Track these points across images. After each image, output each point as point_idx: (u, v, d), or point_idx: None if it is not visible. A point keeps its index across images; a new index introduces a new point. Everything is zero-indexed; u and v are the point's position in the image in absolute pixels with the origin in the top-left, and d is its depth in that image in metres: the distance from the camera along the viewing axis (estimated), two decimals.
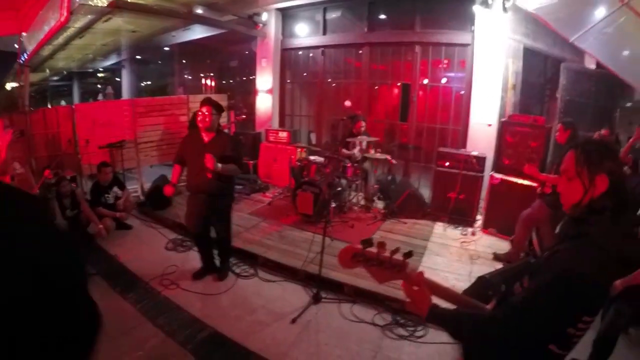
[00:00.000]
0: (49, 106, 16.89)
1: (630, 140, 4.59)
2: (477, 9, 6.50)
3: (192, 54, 14.67)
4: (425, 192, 6.94)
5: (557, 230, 1.58)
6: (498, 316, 1.45)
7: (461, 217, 6.25)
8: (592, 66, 6.55)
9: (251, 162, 8.80)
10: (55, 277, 0.65)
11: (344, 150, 6.82)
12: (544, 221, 4.72)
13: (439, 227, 6.23)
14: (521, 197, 5.48)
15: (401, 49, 7.91)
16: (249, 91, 10.92)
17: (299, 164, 7.25)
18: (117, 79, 18.21)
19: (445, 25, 7.32)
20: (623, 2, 4.76)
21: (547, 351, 1.36)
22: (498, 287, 3.40)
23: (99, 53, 14.40)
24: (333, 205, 6.29)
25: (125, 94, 16.54)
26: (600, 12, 5.01)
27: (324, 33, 8.79)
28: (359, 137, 6.71)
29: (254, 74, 9.78)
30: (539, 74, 8.10)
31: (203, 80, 14.79)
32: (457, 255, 5.26)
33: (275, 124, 9.52)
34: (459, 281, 4.49)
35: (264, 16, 9.00)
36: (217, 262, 5.01)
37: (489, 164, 6.31)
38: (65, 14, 5.87)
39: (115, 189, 6.40)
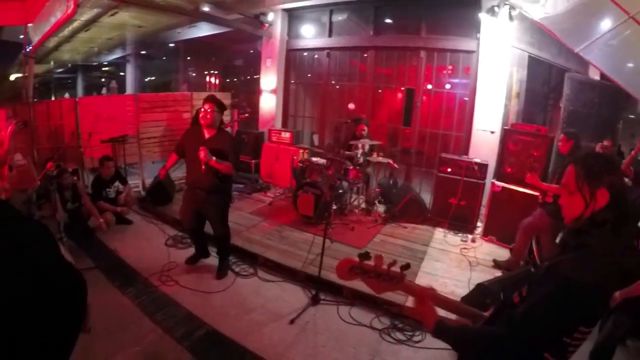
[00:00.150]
0: (53, 98, 16.91)
1: (632, 152, 4.60)
2: (483, 16, 6.51)
3: (197, 51, 14.69)
4: (427, 198, 6.93)
5: (558, 240, 1.59)
6: (502, 334, 1.45)
7: (461, 224, 6.25)
8: (596, 77, 6.57)
9: (253, 161, 8.81)
10: (54, 277, 0.65)
11: (346, 153, 6.82)
12: (545, 230, 4.73)
13: (439, 233, 6.23)
14: (522, 205, 5.49)
15: (406, 53, 7.92)
16: (253, 90, 10.93)
17: (300, 165, 7.25)
18: (122, 74, 18.22)
19: (451, 31, 7.33)
20: (629, 15, 4.77)
21: (543, 359, 1.37)
22: (497, 295, 3.42)
23: (104, 47, 14.43)
24: (334, 207, 6.28)
25: (129, 88, 16.55)
26: (605, 24, 5.02)
27: (330, 35, 8.79)
28: (362, 140, 6.72)
29: (259, 74, 9.78)
30: (543, 83, 8.11)
31: (207, 78, 14.78)
32: (456, 262, 5.27)
33: (279, 124, 9.52)
34: (458, 287, 4.50)
35: (270, 16, 9.01)
36: (217, 260, 5.02)
37: (490, 171, 6.31)
38: (72, 6, 5.86)
39: (117, 183, 6.41)
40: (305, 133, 9.51)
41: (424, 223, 6.53)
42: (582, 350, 1.46)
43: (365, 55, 8.44)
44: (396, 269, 1.62)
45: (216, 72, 14.82)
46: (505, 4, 6.19)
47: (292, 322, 3.97)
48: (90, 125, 6.89)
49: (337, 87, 9.27)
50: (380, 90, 8.75)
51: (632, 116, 7.02)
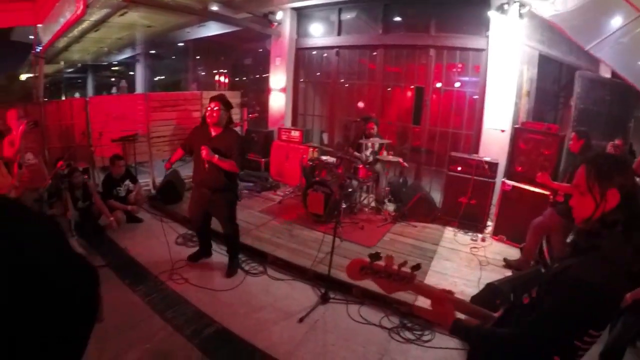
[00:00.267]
0: (63, 98, 17.05)
1: None
2: (492, 14, 6.46)
3: (207, 50, 14.73)
4: (436, 196, 6.91)
5: (569, 240, 1.58)
6: (513, 336, 1.44)
7: (471, 223, 6.21)
8: (607, 75, 6.49)
9: (263, 159, 8.83)
10: (55, 277, 0.65)
11: (356, 152, 6.81)
12: (555, 230, 4.70)
13: (449, 232, 6.20)
14: (532, 204, 5.45)
15: (415, 51, 7.89)
16: (262, 89, 10.93)
17: (310, 163, 7.26)
18: (131, 73, 18.31)
19: (461, 29, 7.29)
20: None
21: None
22: (507, 295, 3.41)
23: (114, 47, 14.50)
24: (344, 206, 6.28)
25: (139, 88, 16.62)
26: (616, 22, 4.96)
27: (339, 34, 8.78)
28: (372, 139, 6.70)
29: (268, 72, 9.79)
30: (554, 81, 8.05)
31: (216, 77, 14.81)
32: (466, 261, 5.24)
33: (288, 123, 9.52)
34: (468, 287, 4.47)
35: (279, 15, 9.01)
36: (225, 258, 5.06)
37: (501, 170, 6.27)
38: (81, 6, 5.91)
39: (127, 182, 6.46)
40: (314, 132, 9.52)
41: (433, 222, 6.50)
42: (592, 352, 1.45)
43: (375, 53, 8.42)
44: (407, 269, 1.62)
45: (225, 71, 14.86)
46: (515, 2, 6.15)
47: (301, 320, 3.98)
48: (101, 125, 6.94)
49: (347, 85, 9.25)
50: (389, 89, 8.71)
51: None
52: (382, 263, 1.64)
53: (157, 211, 6.90)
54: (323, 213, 6.19)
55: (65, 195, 5.24)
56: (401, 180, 7.54)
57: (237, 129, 8.94)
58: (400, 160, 6.84)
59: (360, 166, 6.53)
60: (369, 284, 4.29)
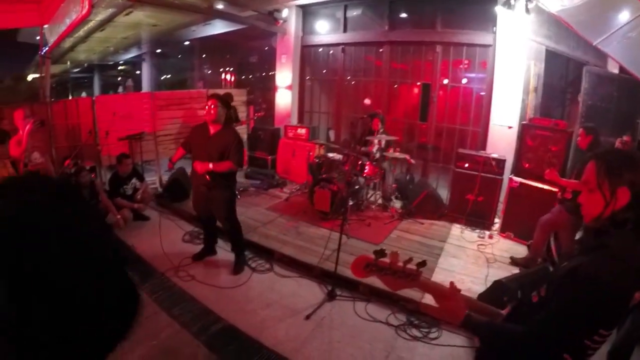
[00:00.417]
0: (70, 97, 17.16)
1: None
2: (499, 9, 6.41)
3: (212, 48, 14.75)
4: (443, 193, 6.88)
5: (577, 238, 1.56)
6: (524, 333, 1.43)
7: (479, 220, 6.18)
8: (615, 70, 6.42)
9: (269, 157, 8.83)
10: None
11: (363, 149, 6.79)
12: (563, 227, 4.66)
13: (456, 229, 6.17)
14: (540, 201, 5.41)
15: (422, 48, 7.85)
16: (269, 87, 10.95)
17: (317, 160, 7.25)
18: (137, 72, 18.40)
19: (467, 25, 7.24)
20: None
21: None
22: (514, 292, 3.39)
23: (120, 46, 14.58)
24: (350, 203, 6.26)
25: (145, 87, 16.70)
26: (624, 16, 4.90)
27: (345, 30, 8.76)
28: (379, 135, 6.69)
29: (274, 70, 9.80)
30: (561, 77, 7.99)
31: (223, 75, 14.84)
32: (473, 258, 5.21)
33: (294, 121, 9.52)
34: (475, 284, 4.45)
35: (285, 12, 9.00)
36: (231, 255, 5.08)
37: (508, 166, 6.23)
38: (86, 6, 5.91)
39: (134, 180, 6.48)
40: (321, 129, 9.51)
41: (440, 219, 6.47)
42: (600, 351, 1.43)
43: (381, 50, 8.39)
44: (412, 266, 1.60)
45: (231, 69, 14.88)
46: None
47: (307, 317, 3.98)
48: (107, 124, 6.96)
49: (353, 82, 9.24)
50: (396, 86, 8.69)
51: None
52: (387, 260, 1.61)
53: (163, 209, 6.91)
54: (330, 210, 6.18)
55: None
56: (408, 177, 7.51)
57: (244, 126, 8.99)
58: (407, 157, 6.80)
59: (367, 163, 6.51)
60: (376, 281, 4.28)
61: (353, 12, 8.61)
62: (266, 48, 11.48)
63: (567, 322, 1.32)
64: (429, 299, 3.95)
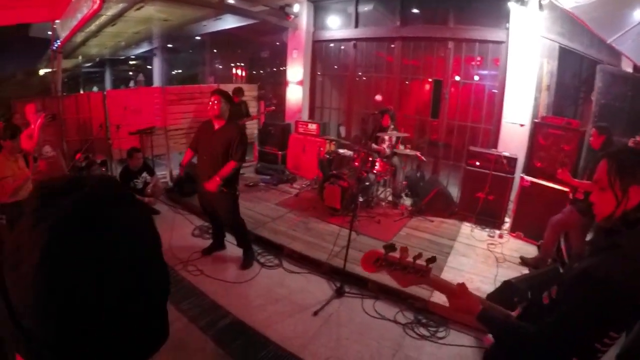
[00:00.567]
0: (81, 92, 17.30)
1: None
2: (512, 5, 6.33)
3: (223, 43, 14.78)
4: (454, 191, 6.84)
5: (589, 238, 1.54)
6: (535, 334, 1.41)
7: (489, 219, 6.12)
8: (629, 69, 6.33)
9: (280, 152, 8.84)
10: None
11: (373, 145, 6.77)
12: (574, 228, 4.62)
13: (466, 228, 6.12)
14: (551, 201, 5.34)
15: (434, 44, 7.80)
16: (280, 82, 10.94)
17: (327, 156, 7.24)
18: (149, 67, 18.48)
19: (480, 21, 7.16)
20: None
21: None
22: (524, 293, 3.35)
23: (131, 41, 14.66)
24: (360, 199, 6.25)
25: (157, 81, 16.75)
26: (639, 14, 4.83)
27: (356, 26, 8.72)
28: (390, 132, 6.65)
29: (285, 65, 9.78)
30: (574, 75, 7.88)
31: (234, 70, 14.87)
32: (483, 257, 5.18)
33: (305, 116, 9.51)
34: (484, 284, 4.42)
35: (296, 7, 8.97)
36: (240, 250, 5.09)
37: (519, 165, 6.17)
38: (98, 1, 5.95)
39: (145, 174, 6.53)
40: (332, 125, 9.49)
41: (450, 217, 6.44)
42: (609, 354, 1.41)
43: (392, 46, 8.34)
44: (422, 262, 1.58)
45: (242, 64, 14.91)
46: None
47: (315, 314, 3.98)
48: (119, 118, 7.00)
49: (364, 78, 9.20)
50: (407, 82, 8.64)
51: None
52: (396, 255, 1.60)
53: (174, 203, 6.95)
54: (339, 206, 6.17)
55: None
56: (418, 174, 7.47)
57: (255, 121, 9.01)
58: (418, 154, 6.77)
59: (378, 160, 6.48)
60: (385, 279, 4.29)
61: (364, 8, 8.57)
62: (277, 43, 11.49)
63: (578, 324, 1.30)
64: (437, 298, 3.96)
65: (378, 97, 7.43)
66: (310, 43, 9.33)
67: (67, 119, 6.98)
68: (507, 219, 6.14)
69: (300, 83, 9.40)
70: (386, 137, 6.69)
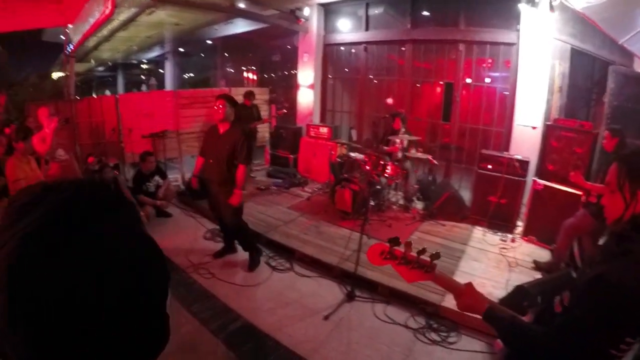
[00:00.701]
0: (94, 96, 17.52)
1: None
2: (522, 7, 6.28)
3: (235, 47, 14.87)
4: (466, 195, 6.78)
5: (601, 243, 1.52)
6: (546, 340, 1.40)
7: (501, 223, 6.06)
8: None
9: (291, 156, 8.85)
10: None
11: (385, 148, 6.76)
12: (587, 231, 4.56)
13: (478, 232, 6.06)
14: (564, 205, 5.27)
15: (445, 46, 7.77)
16: (291, 85, 10.99)
17: (338, 160, 7.24)
18: (161, 71, 18.66)
19: (490, 23, 7.13)
20: None
21: None
22: (534, 298, 3.32)
23: (143, 45, 14.82)
24: (372, 203, 6.23)
25: (168, 85, 16.92)
26: None
27: (367, 29, 8.72)
28: (401, 135, 6.63)
29: (296, 69, 9.82)
30: (586, 76, 7.80)
31: (245, 74, 14.94)
32: (495, 262, 5.12)
33: (317, 119, 9.53)
34: (496, 289, 4.38)
35: (306, 11, 8.99)
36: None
37: (532, 168, 6.11)
38: (109, 6, 6.02)
39: (157, 177, 6.58)
40: (343, 128, 9.50)
41: (462, 221, 6.38)
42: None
43: (403, 48, 8.33)
44: (426, 257, 1.60)
45: (254, 67, 14.97)
46: None
47: (326, 318, 3.97)
48: (131, 121, 7.08)
49: (375, 81, 9.20)
50: (418, 85, 8.62)
51: None
52: (401, 249, 1.62)
53: (186, 206, 7.00)
54: (351, 210, 6.16)
55: None
56: (430, 177, 7.42)
57: (266, 125, 9.05)
58: (430, 157, 6.72)
59: (389, 163, 6.46)
60: (396, 283, 4.29)
61: (375, 10, 8.58)
62: (288, 47, 11.53)
63: (589, 329, 1.29)
64: (449, 302, 3.93)
65: (389, 100, 7.41)
66: (321, 46, 9.35)
67: (80, 123, 7.07)
68: (519, 223, 6.07)
69: (312, 86, 9.42)
70: (397, 141, 6.67)
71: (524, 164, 5.93)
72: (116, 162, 7.19)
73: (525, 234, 5.79)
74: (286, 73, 13.16)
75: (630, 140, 4.83)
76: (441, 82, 8.05)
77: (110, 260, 0.55)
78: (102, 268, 0.54)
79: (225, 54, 15.89)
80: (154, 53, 17.05)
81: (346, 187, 6.17)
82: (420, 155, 6.73)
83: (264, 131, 9.53)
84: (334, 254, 5.08)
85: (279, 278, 4.79)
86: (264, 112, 9.06)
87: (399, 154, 6.61)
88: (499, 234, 5.94)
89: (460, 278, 4.53)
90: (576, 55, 6.73)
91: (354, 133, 9.37)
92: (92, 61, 16.89)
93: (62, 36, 8.81)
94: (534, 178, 5.83)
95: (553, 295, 1.59)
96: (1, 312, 0.50)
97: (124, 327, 0.57)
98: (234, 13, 8.96)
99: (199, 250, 5.30)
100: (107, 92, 19.31)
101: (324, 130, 8.59)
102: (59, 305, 0.50)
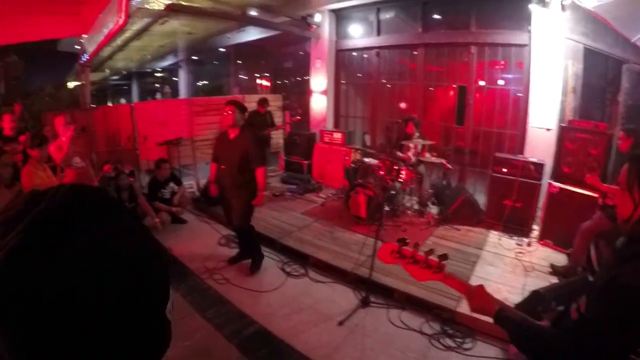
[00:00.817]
0: (109, 104, 17.77)
1: None
2: (533, 7, 6.22)
3: (247, 55, 14.98)
4: (481, 199, 6.72)
5: (616, 245, 1.51)
6: (560, 336, 1.39)
7: (517, 227, 5.99)
8: None
9: (305, 162, 8.88)
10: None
11: (398, 153, 6.74)
12: (604, 235, 4.48)
13: (493, 236, 5.99)
14: (581, 207, 5.18)
15: (457, 49, 7.75)
16: (304, 91, 11.01)
17: (353, 165, 7.24)
18: (175, 79, 18.85)
19: (501, 25, 7.08)
20: None
21: None
22: (548, 303, 3.27)
23: (157, 54, 15.01)
24: (386, 208, 6.22)
25: (182, 93, 17.07)
26: None
27: (378, 34, 8.73)
28: (415, 140, 6.61)
29: (309, 75, 9.86)
30: (600, 76, 7.68)
31: (258, 81, 15.02)
32: (511, 266, 5.06)
33: (330, 125, 9.54)
34: (511, 294, 4.33)
35: (318, 17, 9.03)
36: (268, 261, 5.17)
37: (547, 171, 6.04)
38: (123, 16, 6.14)
39: (172, 184, 6.65)
40: (356, 133, 9.51)
41: (477, 225, 6.32)
42: None
43: (415, 53, 8.31)
44: (434, 258, 1.63)
45: (267, 74, 15.05)
46: None
47: (341, 323, 3.97)
48: (146, 129, 7.16)
49: (388, 86, 9.18)
50: (431, 89, 8.59)
51: None
52: (410, 249, 1.66)
53: (201, 213, 7.06)
54: (365, 215, 6.16)
55: None
56: (444, 182, 7.38)
57: (280, 131, 9.10)
58: (444, 161, 6.69)
59: (403, 168, 6.44)
60: (411, 289, 4.27)
61: (386, 15, 8.59)
62: (300, 53, 11.58)
63: (606, 333, 1.27)
64: (464, 308, 3.90)
65: (402, 105, 7.40)
66: (333, 52, 9.38)
67: (96, 131, 7.18)
68: (535, 227, 6.00)
69: (324, 92, 9.45)
70: (411, 145, 6.65)
71: (539, 166, 5.88)
72: (131, 169, 7.28)
73: (541, 238, 5.72)
74: (299, 79, 13.20)
75: None
76: (454, 86, 8.00)
77: (108, 261, 0.55)
78: (100, 269, 0.54)
79: (238, 61, 16.01)
80: (167, 61, 17.24)
81: (360, 192, 6.17)
82: (434, 159, 6.70)
83: (278, 137, 9.58)
84: (349, 260, 5.07)
85: (294, 284, 4.80)
86: (278, 119, 9.10)
87: (413, 159, 6.59)
88: (515, 238, 5.87)
89: (476, 283, 4.48)
90: (589, 55, 6.64)
91: (367, 138, 9.36)
92: (107, 70, 17.12)
93: (77, 46, 8.98)
94: (549, 181, 5.77)
95: (570, 300, 1.58)
96: None
97: (124, 327, 0.57)
98: (246, 21, 9.04)
99: (213, 256, 5.35)
100: (123, 101, 19.59)
101: (337, 135, 8.61)
102: (53, 309, 0.50)
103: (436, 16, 8.13)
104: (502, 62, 7.31)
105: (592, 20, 5.98)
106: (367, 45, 9.00)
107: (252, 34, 11.55)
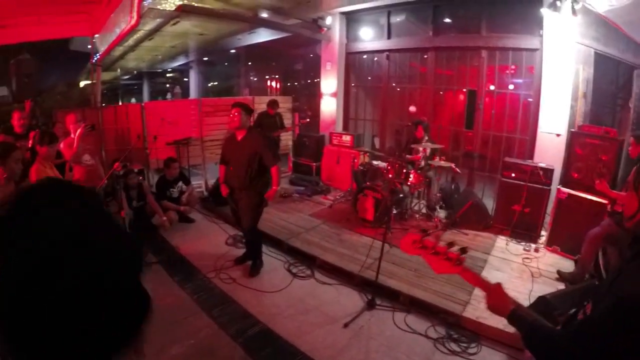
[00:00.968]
0: (120, 103, 17.90)
1: None
2: (544, 11, 6.17)
3: (258, 56, 15.03)
4: (489, 203, 6.67)
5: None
6: (567, 337, 1.39)
7: (525, 232, 5.94)
8: None
9: (314, 164, 8.91)
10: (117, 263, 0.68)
11: (408, 156, 6.73)
12: (613, 242, 4.45)
13: (501, 241, 5.95)
14: (589, 214, 5.15)
15: (467, 53, 7.72)
16: (314, 94, 11.05)
17: (361, 168, 7.24)
18: (185, 79, 18.96)
19: (513, 29, 7.04)
20: None
21: None
22: (553, 310, 3.25)
23: (168, 54, 15.11)
24: (394, 211, 6.21)
25: (193, 93, 17.17)
26: None
27: (389, 37, 8.72)
28: (424, 143, 6.60)
29: (319, 77, 9.87)
30: (611, 81, 7.63)
31: (268, 82, 15.07)
32: (518, 272, 5.03)
33: (339, 128, 9.56)
34: (518, 299, 4.20)
35: (328, 20, 9.05)
36: (273, 262, 5.18)
37: (556, 176, 5.99)
38: (135, 17, 6.18)
39: (180, 183, 6.70)
40: (366, 136, 9.51)
41: (485, 230, 6.28)
42: None
43: (425, 56, 8.30)
44: (455, 250, 1.66)
45: (277, 76, 15.10)
46: None
47: (346, 325, 3.97)
48: (156, 129, 7.21)
49: (398, 89, 9.19)
50: (441, 92, 8.58)
51: None
52: (432, 239, 1.70)
53: (208, 212, 7.10)
54: (373, 218, 6.15)
55: (120, 195, 5.48)
56: (453, 186, 7.35)
57: (289, 133, 9.12)
58: (452, 165, 6.65)
59: (412, 171, 6.42)
60: (417, 292, 4.25)
61: (397, 18, 8.58)
62: (311, 55, 11.60)
63: (609, 334, 1.26)
64: (470, 313, 3.89)
65: (412, 108, 7.39)
66: (344, 55, 9.39)
67: (106, 129, 7.26)
68: (543, 233, 5.96)
69: (334, 95, 9.46)
70: (420, 149, 6.64)
71: (548, 172, 5.83)
72: (141, 168, 7.33)
73: (549, 244, 5.67)
74: (309, 81, 13.25)
75: None
76: (464, 90, 7.97)
77: (70, 241, 0.60)
78: (62, 249, 0.59)
79: (249, 62, 16.08)
80: (178, 62, 17.34)
81: (369, 195, 6.17)
82: (443, 163, 6.67)
83: (287, 139, 9.60)
84: (355, 262, 5.06)
85: (300, 285, 4.80)
86: (287, 121, 9.13)
87: (422, 162, 6.57)
88: (523, 243, 5.83)
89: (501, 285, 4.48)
90: (600, 60, 6.59)
91: (376, 141, 9.36)
92: (118, 70, 17.27)
93: (89, 45, 9.06)
94: (558, 186, 5.72)
95: (576, 306, 1.58)
96: None
97: (102, 295, 0.62)
98: (257, 23, 9.08)
99: (220, 256, 5.36)
100: (133, 100, 19.73)
101: (346, 138, 8.61)
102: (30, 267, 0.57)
103: (447, 20, 8.12)
104: (513, 67, 7.27)
105: (603, 25, 5.94)
106: (378, 48, 9.00)
107: (262, 36, 11.59)
